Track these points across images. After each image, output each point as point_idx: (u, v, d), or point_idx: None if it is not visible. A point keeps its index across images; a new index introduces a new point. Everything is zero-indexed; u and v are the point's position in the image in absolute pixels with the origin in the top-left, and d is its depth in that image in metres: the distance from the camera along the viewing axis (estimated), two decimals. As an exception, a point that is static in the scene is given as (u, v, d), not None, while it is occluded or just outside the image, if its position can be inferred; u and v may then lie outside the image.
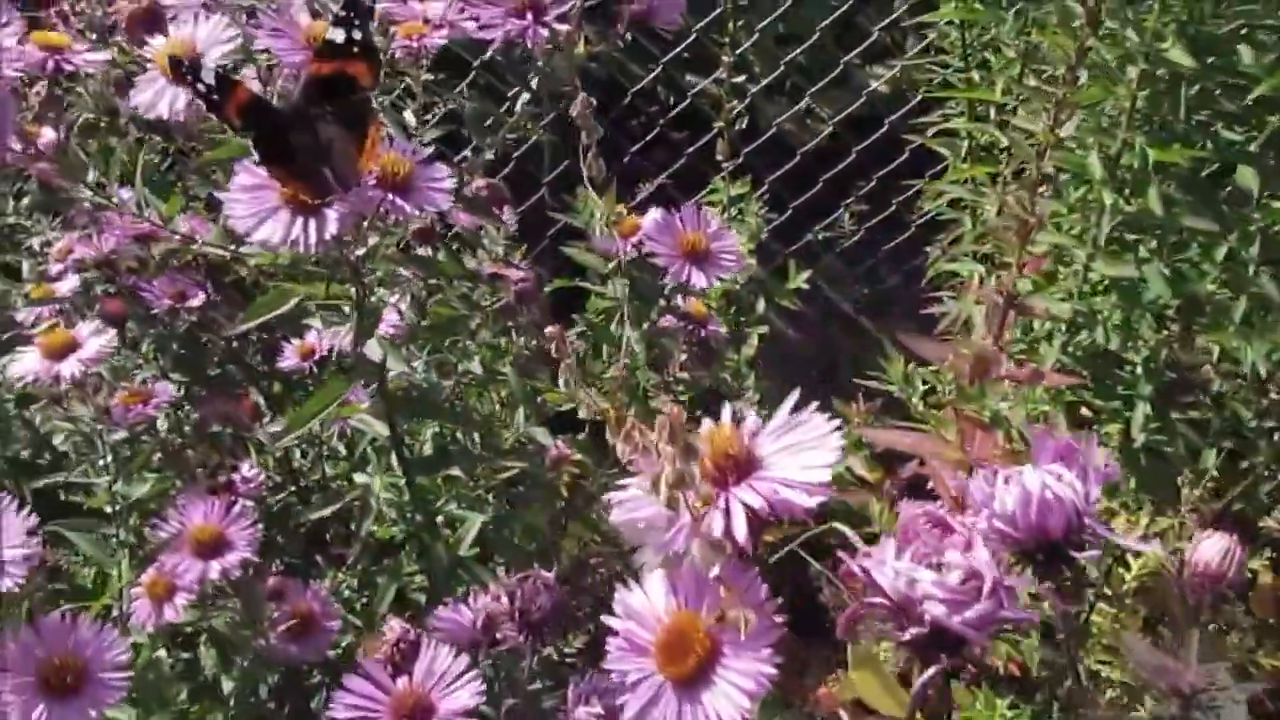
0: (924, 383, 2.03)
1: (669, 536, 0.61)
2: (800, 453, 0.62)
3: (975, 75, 2.35)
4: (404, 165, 0.94)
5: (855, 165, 2.81)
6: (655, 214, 1.41)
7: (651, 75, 2.76)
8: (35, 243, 1.63)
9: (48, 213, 1.56)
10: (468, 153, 1.37)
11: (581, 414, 1.16)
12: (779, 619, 0.61)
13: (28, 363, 1.18)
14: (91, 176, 1.11)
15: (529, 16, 1.02)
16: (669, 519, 0.61)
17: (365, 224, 0.93)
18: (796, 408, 0.63)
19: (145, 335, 1.71)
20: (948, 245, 2.46)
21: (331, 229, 0.87)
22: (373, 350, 1.18)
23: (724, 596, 0.62)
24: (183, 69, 0.91)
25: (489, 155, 1.25)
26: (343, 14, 0.95)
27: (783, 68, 2.87)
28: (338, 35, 0.95)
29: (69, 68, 1.03)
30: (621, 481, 0.66)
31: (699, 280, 1.27)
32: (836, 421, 0.64)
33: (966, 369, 1.29)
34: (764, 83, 2.80)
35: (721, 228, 1.31)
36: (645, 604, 0.63)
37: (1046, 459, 0.63)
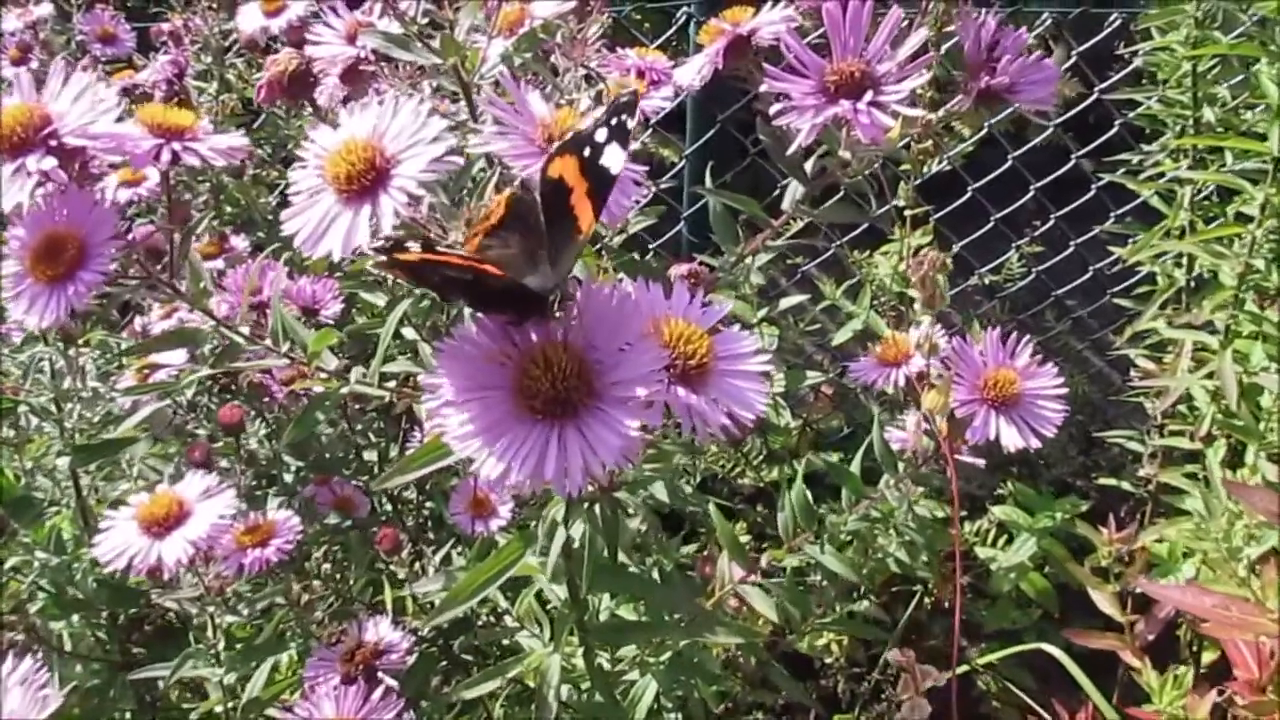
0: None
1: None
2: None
3: (1208, 114, 1.95)
4: (699, 342, 0.58)
5: (1020, 196, 2.44)
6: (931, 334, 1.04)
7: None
8: (139, 322, 1.32)
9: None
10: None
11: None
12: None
13: (121, 537, 0.85)
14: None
15: (866, 96, 0.66)
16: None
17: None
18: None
19: (258, 416, 1.41)
20: (1161, 307, 2.07)
21: (606, 462, 0.52)
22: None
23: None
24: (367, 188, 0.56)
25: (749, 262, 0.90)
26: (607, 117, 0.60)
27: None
28: (599, 135, 0.61)
29: (193, 160, 0.69)
30: None
31: (1011, 440, 0.90)
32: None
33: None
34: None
35: (1034, 362, 0.93)
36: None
37: None
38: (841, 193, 0.85)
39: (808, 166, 0.84)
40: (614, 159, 0.60)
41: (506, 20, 0.82)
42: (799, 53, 0.68)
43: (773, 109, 0.67)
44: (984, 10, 0.75)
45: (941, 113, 0.74)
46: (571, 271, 0.57)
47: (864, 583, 1.11)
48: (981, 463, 1.19)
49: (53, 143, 0.66)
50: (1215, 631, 1.17)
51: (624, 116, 0.61)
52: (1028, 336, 0.93)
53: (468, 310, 0.63)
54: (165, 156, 0.68)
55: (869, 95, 0.65)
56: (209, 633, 0.92)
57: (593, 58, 0.79)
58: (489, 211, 0.59)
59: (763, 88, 0.69)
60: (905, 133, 0.77)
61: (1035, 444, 0.89)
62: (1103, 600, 1.47)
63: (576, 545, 0.81)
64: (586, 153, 0.61)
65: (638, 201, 0.70)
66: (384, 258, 0.55)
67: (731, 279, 0.96)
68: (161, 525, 0.85)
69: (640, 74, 0.98)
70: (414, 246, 0.53)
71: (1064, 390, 0.91)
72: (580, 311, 0.56)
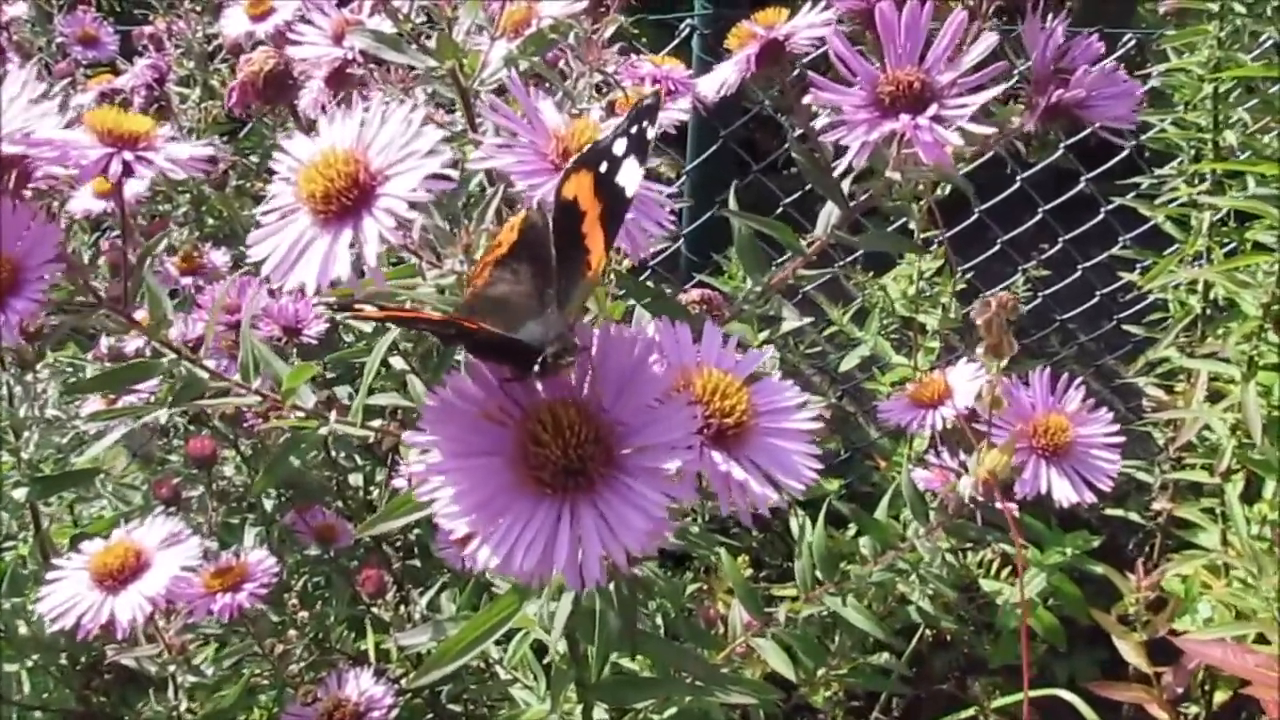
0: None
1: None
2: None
3: (1230, 137, 1.87)
4: (737, 396, 0.48)
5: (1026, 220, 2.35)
6: (970, 372, 0.95)
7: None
8: (105, 343, 1.21)
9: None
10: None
11: None
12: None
13: (70, 590, 0.74)
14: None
15: (930, 110, 0.56)
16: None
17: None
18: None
19: (232, 445, 1.30)
20: (1181, 335, 1.98)
21: (630, 547, 0.42)
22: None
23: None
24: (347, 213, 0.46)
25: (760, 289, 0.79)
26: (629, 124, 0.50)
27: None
28: (617, 148, 0.51)
29: (147, 172, 0.59)
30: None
31: (1064, 494, 0.80)
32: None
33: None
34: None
35: (1085, 407, 0.84)
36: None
37: None
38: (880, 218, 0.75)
39: (844, 186, 0.74)
40: (630, 176, 0.50)
41: (511, 20, 0.72)
42: (849, 60, 0.59)
43: (819, 124, 0.57)
44: (1050, 16, 0.65)
45: (1003, 129, 0.65)
46: (580, 316, 0.47)
47: (887, 634, 1.01)
48: (1015, 508, 1.10)
49: (-18, 149, 0.56)
50: (1259, 693, 1.08)
51: (645, 124, 0.51)
52: (1079, 379, 0.83)
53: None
54: (115, 168, 0.58)
55: (933, 109, 0.56)
56: (170, 693, 0.81)
57: (609, 62, 0.69)
58: (500, 238, 0.49)
59: (806, 99, 0.59)
60: (960, 151, 0.68)
61: (1090, 498, 0.79)
62: (1128, 650, 1.37)
63: (585, 607, 0.71)
64: (603, 168, 0.51)
65: (660, 225, 0.60)
66: (346, 314, 0.45)
67: (747, 309, 0.86)
68: (115, 578, 0.74)
69: (655, 84, 0.88)
70: (368, 308, 0.44)
71: (1120, 439, 0.81)
72: (596, 361, 0.46)
